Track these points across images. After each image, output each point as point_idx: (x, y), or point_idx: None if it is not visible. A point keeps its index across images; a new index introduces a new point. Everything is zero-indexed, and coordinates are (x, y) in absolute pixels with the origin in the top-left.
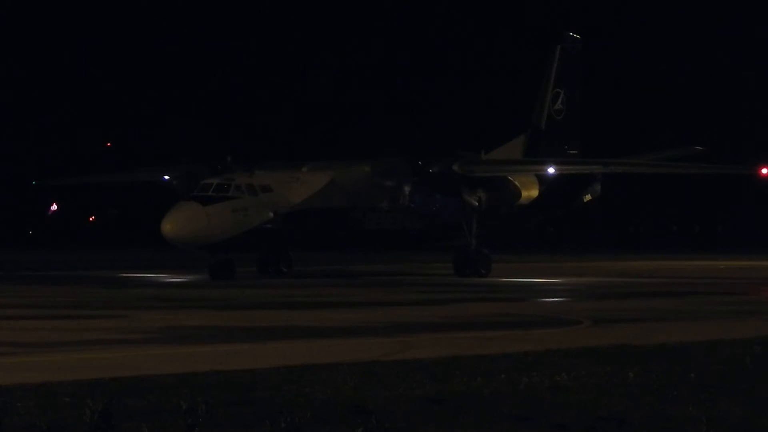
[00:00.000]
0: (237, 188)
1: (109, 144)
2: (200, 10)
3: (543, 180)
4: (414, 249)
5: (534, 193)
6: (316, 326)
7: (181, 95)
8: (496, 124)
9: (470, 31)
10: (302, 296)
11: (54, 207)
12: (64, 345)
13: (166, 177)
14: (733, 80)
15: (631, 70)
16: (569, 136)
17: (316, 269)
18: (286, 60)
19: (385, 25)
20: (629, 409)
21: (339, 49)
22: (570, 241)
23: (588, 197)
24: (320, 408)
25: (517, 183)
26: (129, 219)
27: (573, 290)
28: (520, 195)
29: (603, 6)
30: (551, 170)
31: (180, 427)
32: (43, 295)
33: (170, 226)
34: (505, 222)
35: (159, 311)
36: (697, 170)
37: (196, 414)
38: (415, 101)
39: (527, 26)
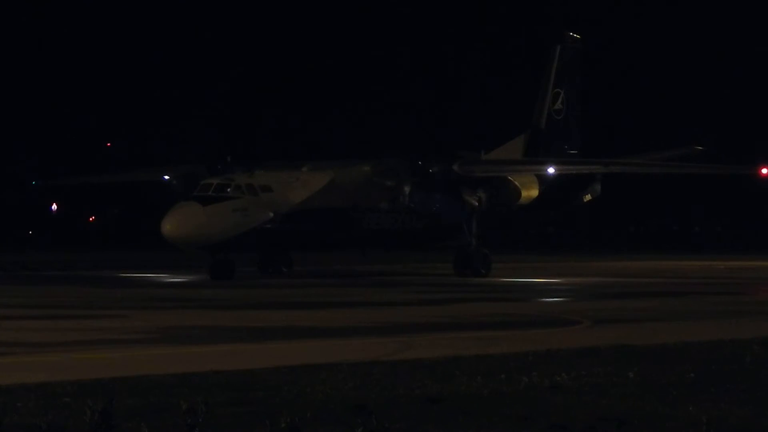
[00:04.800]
0: (237, 188)
1: (109, 144)
2: (200, 11)
3: (543, 180)
4: (414, 249)
5: (534, 193)
6: (316, 326)
7: (182, 95)
8: (496, 124)
9: (470, 31)
10: (302, 296)
11: (54, 207)
12: (64, 345)
13: (166, 177)
14: (733, 80)
15: (631, 70)
16: (569, 136)
17: (316, 269)
18: (286, 60)
19: (385, 25)
20: (629, 409)
21: (339, 49)
22: (570, 241)
23: (588, 197)
24: (320, 408)
25: (517, 183)
26: (129, 219)
27: (573, 290)
28: (520, 195)
29: (603, 6)
30: (551, 170)
31: (180, 427)
32: (43, 295)
33: (170, 226)
34: (505, 222)
35: (159, 311)
36: (697, 170)
37: (196, 414)
38: (415, 101)
39: (527, 26)
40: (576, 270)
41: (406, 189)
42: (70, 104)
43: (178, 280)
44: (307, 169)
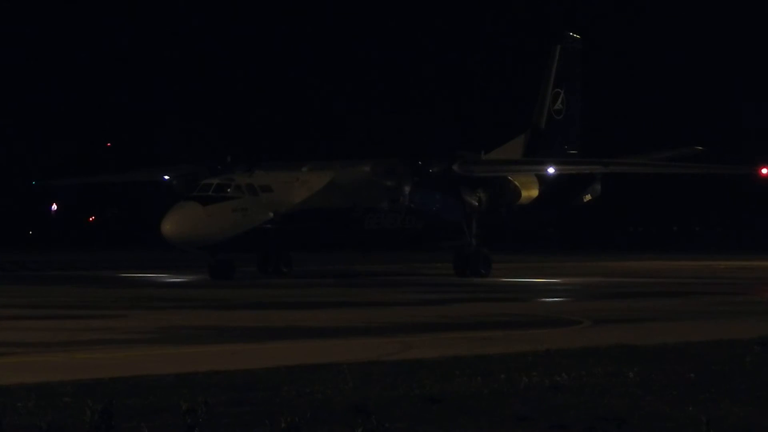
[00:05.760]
0: (237, 188)
1: (109, 144)
2: (200, 10)
3: (543, 180)
4: (414, 249)
5: (534, 193)
6: (316, 326)
7: (181, 95)
8: (496, 124)
9: (470, 31)
10: (302, 296)
11: (54, 207)
12: (64, 345)
13: (166, 177)
14: (733, 80)
15: (631, 70)
16: (569, 136)
17: (316, 269)
18: (286, 60)
19: (385, 24)
20: (629, 409)
21: (339, 49)
22: (569, 241)
23: (588, 197)
24: (320, 408)
25: (517, 183)
26: (129, 219)
27: (573, 290)
28: (520, 195)
29: (603, 6)
30: (551, 170)
31: (180, 427)
32: (43, 295)
33: (170, 226)
34: (505, 222)
35: (159, 311)
36: (697, 170)
37: (196, 414)
38: (414, 101)
39: (527, 26)
40: (576, 270)
41: (406, 189)
42: (70, 104)
43: (178, 280)
44: (307, 169)
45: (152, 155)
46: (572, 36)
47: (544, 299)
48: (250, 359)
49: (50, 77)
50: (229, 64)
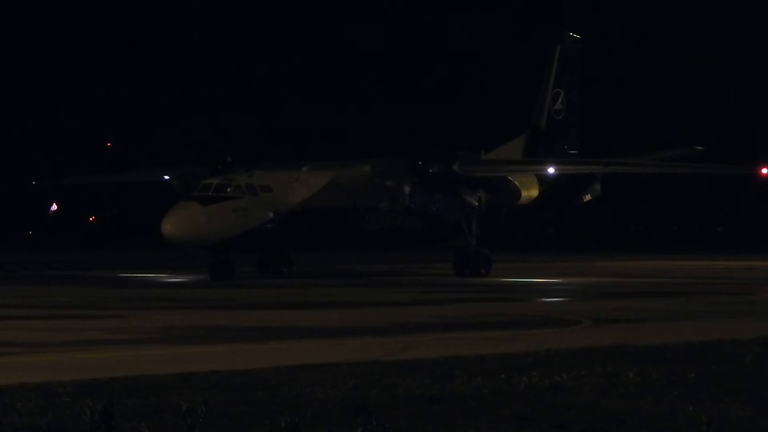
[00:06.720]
0: (237, 188)
1: (109, 144)
2: (200, 10)
3: (543, 180)
4: (414, 249)
5: (534, 193)
6: (316, 326)
7: (181, 95)
8: (496, 124)
9: (470, 31)
10: (302, 296)
11: (54, 207)
12: (64, 345)
13: (166, 177)
14: (733, 80)
15: (631, 70)
16: (569, 136)
17: (316, 269)
18: (285, 59)
19: (385, 24)
20: (629, 409)
21: (338, 49)
22: (570, 241)
23: (588, 197)
24: (320, 408)
25: (517, 183)
26: (129, 219)
27: (573, 290)
28: (520, 195)
29: (603, 6)
30: (551, 170)
31: (180, 427)
32: (43, 295)
33: (170, 226)
34: (505, 222)
35: (159, 311)
36: (697, 170)
37: (196, 414)
38: (414, 101)
39: (527, 26)
40: (576, 270)
41: (406, 189)
42: (70, 104)
43: (178, 280)
44: (307, 169)
45: (152, 155)
46: (572, 36)
47: (544, 299)
48: (250, 359)
49: (50, 77)
50: (229, 63)
